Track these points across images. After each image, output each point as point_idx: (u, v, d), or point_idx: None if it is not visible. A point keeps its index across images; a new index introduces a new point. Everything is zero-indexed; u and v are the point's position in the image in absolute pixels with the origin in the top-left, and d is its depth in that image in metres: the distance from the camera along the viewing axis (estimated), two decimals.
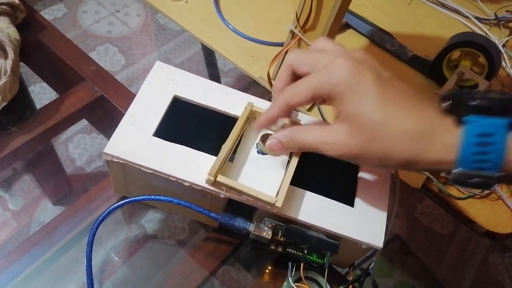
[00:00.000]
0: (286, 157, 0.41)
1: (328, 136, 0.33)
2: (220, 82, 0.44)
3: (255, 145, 0.41)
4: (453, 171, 0.30)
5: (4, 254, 0.41)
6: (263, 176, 0.39)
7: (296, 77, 0.36)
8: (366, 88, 0.31)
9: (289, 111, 0.38)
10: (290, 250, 0.40)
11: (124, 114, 0.40)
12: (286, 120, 0.39)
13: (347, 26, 0.65)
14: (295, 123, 0.40)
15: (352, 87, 0.31)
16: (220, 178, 0.36)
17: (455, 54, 0.58)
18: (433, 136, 0.30)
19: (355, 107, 0.31)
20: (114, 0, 1.44)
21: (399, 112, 0.31)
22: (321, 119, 0.47)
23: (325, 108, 0.52)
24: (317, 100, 0.35)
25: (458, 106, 0.30)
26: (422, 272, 0.64)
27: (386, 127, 0.31)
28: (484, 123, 0.29)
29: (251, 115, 0.41)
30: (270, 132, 0.41)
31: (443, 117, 0.31)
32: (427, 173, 0.51)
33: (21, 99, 0.49)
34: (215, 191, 0.37)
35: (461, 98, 0.30)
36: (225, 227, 0.40)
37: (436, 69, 0.59)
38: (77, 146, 0.96)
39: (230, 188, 0.37)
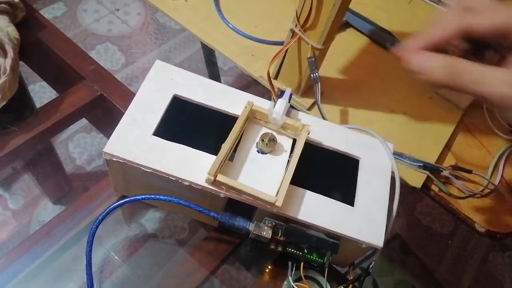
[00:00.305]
0: (286, 157, 0.41)
1: None
2: (220, 81, 0.44)
3: (255, 144, 0.41)
4: None
5: (4, 253, 0.41)
6: (263, 175, 0.39)
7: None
8: None
9: (458, 37, 0.31)
10: (290, 249, 0.40)
11: (123, 113, 0.40)
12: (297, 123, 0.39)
13: (347, 25, 0.65)
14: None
15: None
16: (220, 178, 0.36)
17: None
18: None
19: None
20: None
21: None
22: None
23: (325, 108, 0.52)
24: (501, 36, 0.30)
25: None
26: (422, 271, 0.64)
27: None
28: None
29: (251, 114, 0.41)
30: (269, 131, 0.41)
31: None
32: (427, 173, 0.51)
33: (20, 98, 0.49)
34: (215, 190, 0.37)
35: None
36: (225, 226, 0.40)
37: None
38: (77, 145, 0.96)
39: (230, 188, 0.37)
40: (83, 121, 0.58)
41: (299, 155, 0.39)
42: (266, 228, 0.39)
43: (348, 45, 0.63)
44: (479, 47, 0.32)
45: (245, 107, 0.40)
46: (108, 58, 1.27)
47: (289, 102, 0.42)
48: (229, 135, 0.38)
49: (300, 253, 0.39)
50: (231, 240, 0.45)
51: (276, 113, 0.40)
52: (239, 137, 0.40)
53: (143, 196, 0.39)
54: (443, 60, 0.30)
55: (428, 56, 0.30)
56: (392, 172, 0.43)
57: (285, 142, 0.41)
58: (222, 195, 0.38)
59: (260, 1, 0.65)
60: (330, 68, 0.58)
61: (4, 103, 0.46)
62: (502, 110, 0.29)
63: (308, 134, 0.40)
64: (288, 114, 0.43)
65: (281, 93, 0.43)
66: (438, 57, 0.30)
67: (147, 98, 0.41)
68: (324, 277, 0.40)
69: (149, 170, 0.38)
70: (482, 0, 0.30)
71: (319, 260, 0.39)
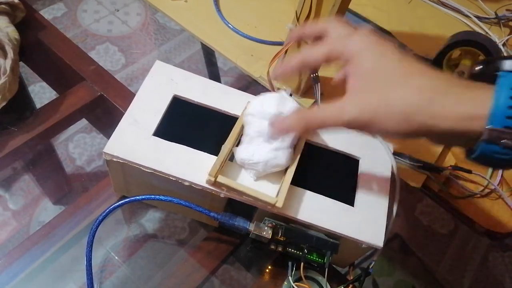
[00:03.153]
0: None
1: (343, 103, 0.33)
2: (220, 82, 0.44)
3: None
4: (486, 127, 0.27)
5: (4, 254, 0.41)
6: (262, 176, 0.39)
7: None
8: (387, 50, 0.32)
9: (304, 68, 0.39)
10: (290, 249, 0.40)
11: (124, 114, 0.40)
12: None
13: None
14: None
15: (371, 48, 0.32)
16: (221, 179, 0.36)
17: (456, 53, 0.57)
18: (458, 90, 0.29)
19: (374, 63, 0.32)
20: None
21: (419, 69, 0.31)
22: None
23: None
24: (331, 61, 0.35)
25: (490, 68, 0.30)
26: (422, 271, 0.64)
27: (407, 81, 0.30)
28: None
29: None
30: None
31: (470, 81, 0.30)
32: (427, 173, 0.51)
33: (20, 99, 0.49)
34: (215, 190, 0.37)
35: (491, 62, 0.30)
36: (225, 226, 0.40)
37: (436, 68, 0.59)
38: (77, 145, 0.96)
39: (231, 189, 0.37)
40: (83, 122, 0.58)
41: (299, 155, 0.39)
42: (266, 228, 0.39)
43: None
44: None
45: (245, 107, 0.40)
46: (108, 59, 1.27)
47: None
48: (229, 136, 0.38)
49: (300, 253, 0.39)
50: (231, 240, 0.45)
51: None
52: (239, 137, 0.40)
53: (143, 197, 0.39)
54: (294, 116, 0.36)
55: (284, 118, 0.37)
56: (392, 172, 0.43)
57: None
58: (222, 196, 0.38)
59: (260, 1, 0.65)
60: (330, 68, 0.58)
61: (4, 103, 0.46)
62: (364, 132, 0.33)
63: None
64: None
65: None
66: (290, 117, 0.37)
67: (147, 98, 0.41)
68: (324, 277, 0.40)
69: (149, 171, 0.38)
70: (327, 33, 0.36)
71: (319, 260, 0.39)
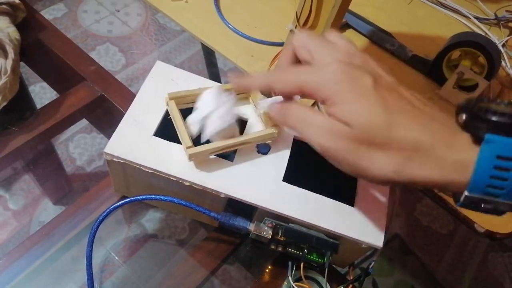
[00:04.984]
0: (286, 157, 0.41)
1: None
2: (220, 82, 0.44)
3: (255, 145, 0.41)
4: (465, 194, 0.27)
5: (5, 254, 0.42)
6: (263, 176, 0.39)
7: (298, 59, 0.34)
8: (360, 91, 0.29)
9: (270, 92, 0.37)
10: (290, 249, 0.40)
11: (124, 114, 0.40)
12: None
13: (347, 25, 0.65)
14: None
15: (344, 90, 0.29)
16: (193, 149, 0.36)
17: (455, 54, 0.58)
18: (440, 150, 0.27)
19: (347, 107, 0.29)
20: (115, 0, 1.44)
21: (400, 118, 0.28)
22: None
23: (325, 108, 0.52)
24: (302, 95, 0.33)
25: (475, 120, 0.27)
26: (421, 271, 0.64)
27: (389, 132, 0.28)
28: (507, 143, 0.25)
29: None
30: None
31: (457, 131, 0.28)
32: None
33: (21, 99, 0.49)
34: (215, 190, 0.38)
35: (478, 112, 0.27)
36: (225, 226, 0.40)
37: (436, 69, 0.60)
38: (77, 145, 0.96)
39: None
40: (84, 122, 0.58)
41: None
42: (266, 228, 0.39)
43: None
44: None
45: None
46: (108, 59, 1.28)
47: None
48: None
49: (300, 253, 0.40)
50: (231, 240, 0.45)
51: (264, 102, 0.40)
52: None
53: (143, 197, 0.40)
54: (276, 112, 0.34)
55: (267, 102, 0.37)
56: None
57: (285, 143, 0.42)
58: (222, 196, 0.38)
59: (260, 2, 0.65)
60: None
61: (4, 103, 0.46)
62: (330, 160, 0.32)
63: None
64: None
65: None
66: (273, 109, 0.35)
67: (148, 98, 0.41)
68: (324, 277, 0.40)
69: (149, 171, 0.38)
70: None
71: (319, 260, 0.39)
